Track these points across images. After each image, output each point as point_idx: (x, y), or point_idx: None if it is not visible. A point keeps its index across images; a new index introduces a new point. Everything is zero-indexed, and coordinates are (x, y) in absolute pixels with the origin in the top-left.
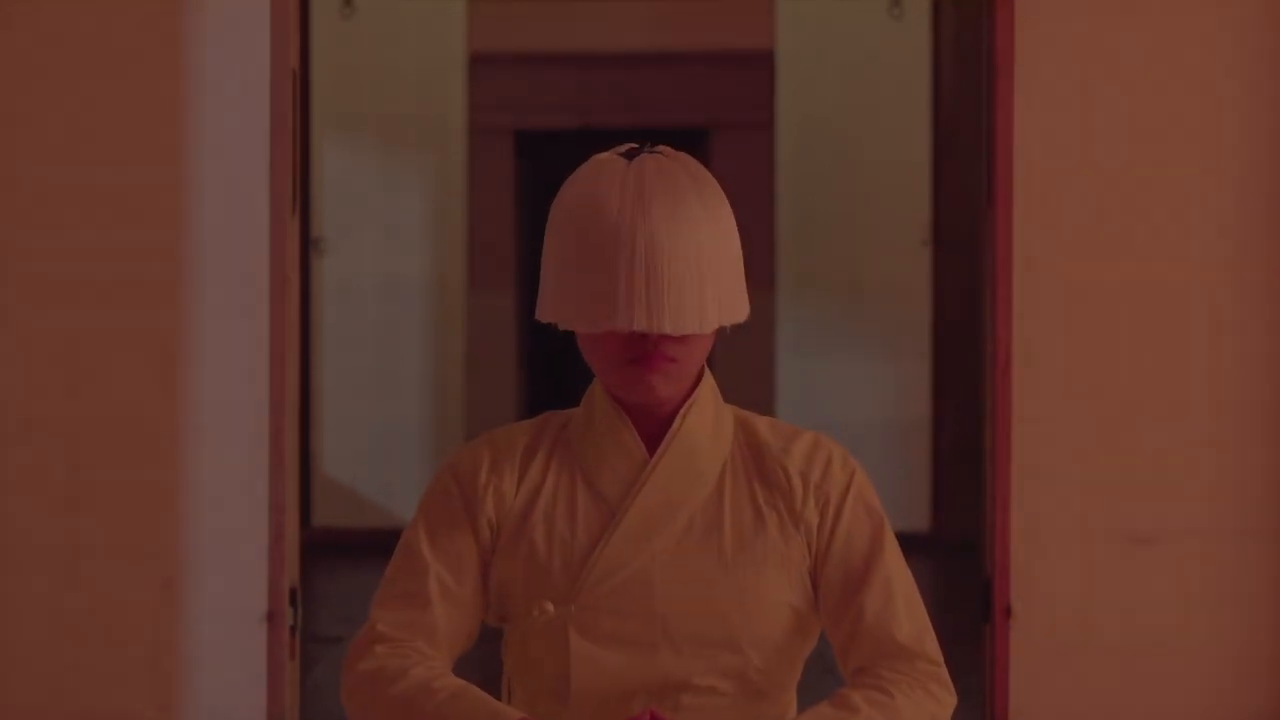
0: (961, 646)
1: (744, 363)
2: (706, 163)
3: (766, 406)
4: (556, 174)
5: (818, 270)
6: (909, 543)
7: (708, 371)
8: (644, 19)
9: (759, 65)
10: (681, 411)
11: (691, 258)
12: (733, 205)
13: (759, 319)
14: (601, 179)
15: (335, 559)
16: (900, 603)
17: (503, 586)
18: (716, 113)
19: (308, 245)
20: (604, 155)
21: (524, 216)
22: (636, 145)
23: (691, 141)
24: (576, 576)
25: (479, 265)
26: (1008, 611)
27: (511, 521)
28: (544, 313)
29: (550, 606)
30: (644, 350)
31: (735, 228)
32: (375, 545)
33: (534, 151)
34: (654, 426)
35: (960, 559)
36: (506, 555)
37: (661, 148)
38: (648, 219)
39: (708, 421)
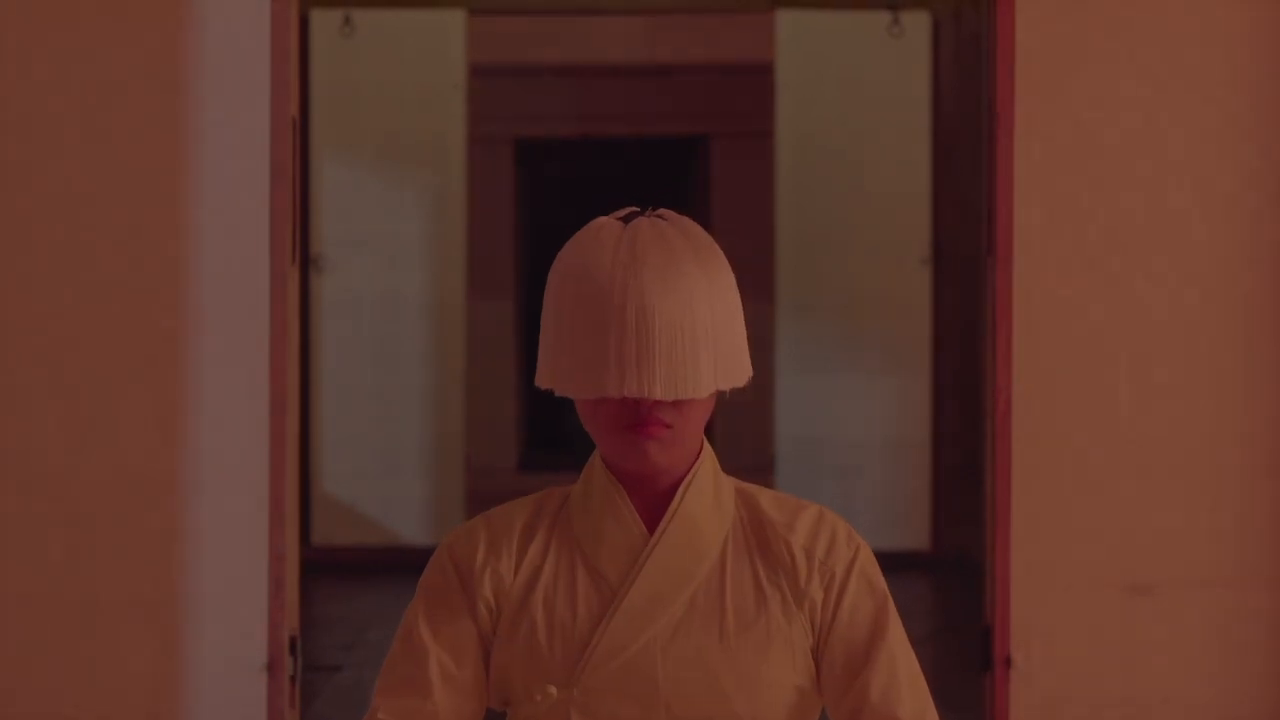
0: (959, 673)
1: None
2: (705, 171)
3: (766, 423)
4: (556, 181)
5: (817, 287)
6: (909, 560)
7: (707, 444)
8: (643, 31)
9: (758, 76)
10: (681, 488)
11: (684, 321)
12: (731, 215)
13: (758, 335)
14: (595, 243)
15: (335, 578)
16: (904, 681)
17: (503, 670)
18: (714, 123)
19: (306, 263)
20: (602, 219)
21: (524, 224)
22: (637, 209)
23: (690, 149)
24: (577, 660)
25: (479, 276)
26: (1008, 661)
27: (511, 605)
28: (542, 379)
29: (553, 690)
30: (638, 417)
31: (735, 290)
32: (375, 563)
33: (534, 160)
34: (653, 500)
35: (960, 576)
36: (506, 639)
37: (662, 211)
38: (638, 282)
39: (708, 497)
